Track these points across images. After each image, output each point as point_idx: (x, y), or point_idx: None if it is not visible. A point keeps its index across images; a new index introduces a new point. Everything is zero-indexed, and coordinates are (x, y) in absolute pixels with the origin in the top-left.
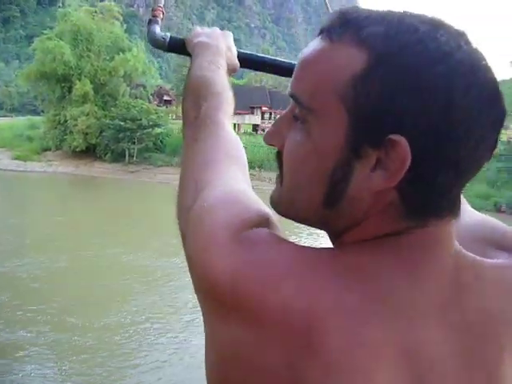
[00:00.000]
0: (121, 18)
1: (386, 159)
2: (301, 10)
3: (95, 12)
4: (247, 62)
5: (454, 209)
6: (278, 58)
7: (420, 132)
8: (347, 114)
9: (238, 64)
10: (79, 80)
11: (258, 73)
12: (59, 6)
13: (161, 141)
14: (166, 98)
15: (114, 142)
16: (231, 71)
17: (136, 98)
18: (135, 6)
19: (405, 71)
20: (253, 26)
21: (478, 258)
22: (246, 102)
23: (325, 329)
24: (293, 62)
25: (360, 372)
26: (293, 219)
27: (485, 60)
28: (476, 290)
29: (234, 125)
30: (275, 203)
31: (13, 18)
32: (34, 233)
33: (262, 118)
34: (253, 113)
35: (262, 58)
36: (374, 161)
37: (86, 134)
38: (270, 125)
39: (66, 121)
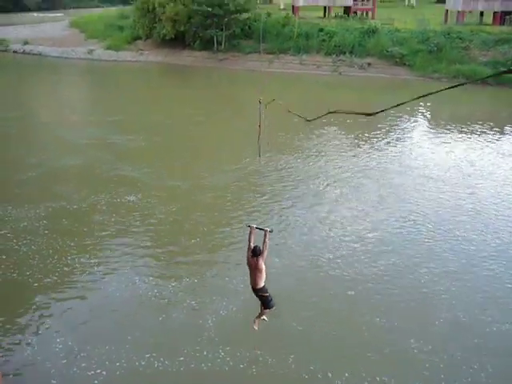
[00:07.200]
0: None
1: None
2: None
3: None
4: None
5: None
6: None
7: None
8: None
9: None
10: None
11: None
12: None
13: (249, 26)
14: None
15: (202, 29)
16: None
17: None
18: None
19: None
20: None
21: None
22: None
23: None
24: None
25: None
26: None
27: None
28: None
29: (324, 8)
30: None
31: None
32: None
33: None
34: None
35: None
36: None
37: (175, 21)
38: (362, 7)
39: (154, 8)
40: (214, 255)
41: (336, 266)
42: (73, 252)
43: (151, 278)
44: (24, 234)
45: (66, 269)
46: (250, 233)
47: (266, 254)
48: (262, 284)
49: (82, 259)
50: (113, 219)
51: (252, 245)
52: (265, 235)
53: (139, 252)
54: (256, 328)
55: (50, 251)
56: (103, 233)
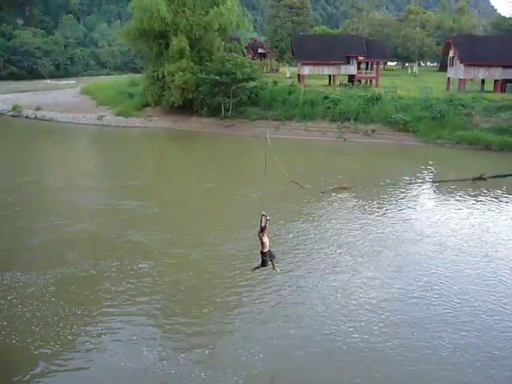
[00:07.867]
0: None
1: None
2: None
3: None
4: None
5: None
6: None
7: None
8: None
9: None
10: (175, 36)
11: (354, 20)
12: None
13: (255, 94)
14: (260, 50)
15: (210, 97)
16: None
17: (231, 51)
18: None
19: None
20: None
21: None
22: (341, 52)
23: None
24: None
25: None
26: None
27: None
28: None
29: (329, 76)
30: None
31: None
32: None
33: (358, 68)
34: (348, 63)
35: None
36: None
37: (183, 89)
38: (366, 75)
39: (163, 77)
40: (225, 326)
41: (353, 340)
42: (78, 320)
43: (160, 349)
44: (30, 300)
45: (69, 337)
46: (261, 218)
47: (265, 231)
48: (264, 250)
49: (87, 328)
50: (121, 287)
51: (262, 225)
52: (266, 221)
53: (148, 321)
54: (253, 275)
55: (55, 318)
56: (111, 301)
